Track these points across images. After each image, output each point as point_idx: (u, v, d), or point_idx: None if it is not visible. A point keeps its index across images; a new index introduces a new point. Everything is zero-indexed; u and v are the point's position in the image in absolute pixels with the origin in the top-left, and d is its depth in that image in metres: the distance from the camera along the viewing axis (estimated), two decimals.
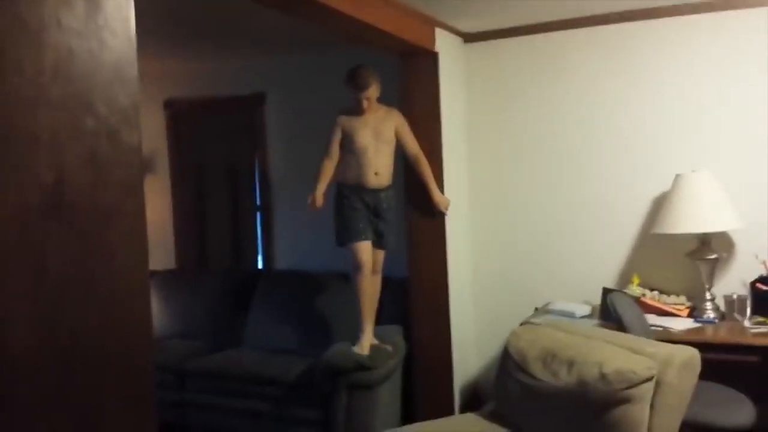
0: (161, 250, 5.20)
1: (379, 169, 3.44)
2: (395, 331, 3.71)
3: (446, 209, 3.66)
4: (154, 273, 5.03)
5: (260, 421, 3.81)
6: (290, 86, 4.73)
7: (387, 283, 3.67)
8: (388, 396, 3.57)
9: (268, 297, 4.46)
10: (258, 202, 5.00)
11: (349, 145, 3.45)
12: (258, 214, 5.03)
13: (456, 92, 3.90)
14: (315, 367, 3.60)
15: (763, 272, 3.29)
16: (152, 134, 5.21)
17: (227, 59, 4.75)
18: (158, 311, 4.79)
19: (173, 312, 4.73)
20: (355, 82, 3.37)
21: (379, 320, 3.63)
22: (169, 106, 5.17)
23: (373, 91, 3.40)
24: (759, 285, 3.27)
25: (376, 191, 3.44)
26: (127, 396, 0.94)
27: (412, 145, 3.57)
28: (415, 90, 3.68)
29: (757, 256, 3.36)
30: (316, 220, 4.66)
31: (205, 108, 5.10)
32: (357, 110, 3.45)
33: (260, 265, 5.08)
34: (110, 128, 0.95)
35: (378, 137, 3.45)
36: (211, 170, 5.19)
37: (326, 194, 3.53)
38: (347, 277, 3.71)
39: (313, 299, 4.25)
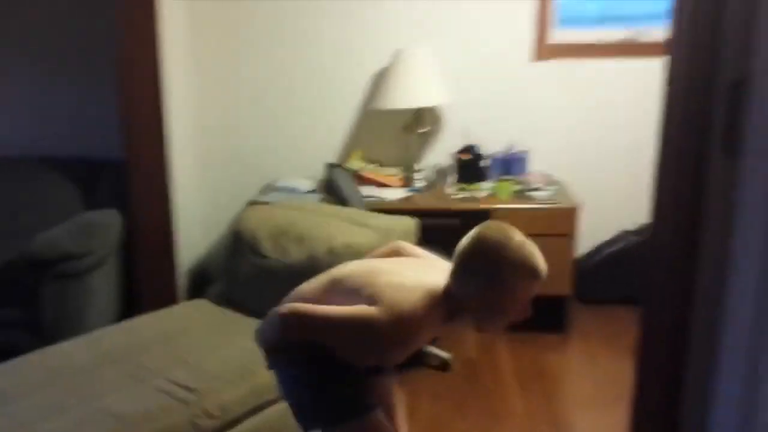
0: None
1: None
2: (111, 216, 3.41)
3: None
4: None
5: None
6: None
7: (103, 166, 3.31)
8: (102, 285, 3.32)
9: None
10: None
11: None
12: None
13: None
14: (16, 260, 3.18)
15: (466, 143, 3.61)
16: None
17: None
18: None
19: None
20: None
21: (95, 206, 3.33)
22: None
23: None
24: (461, 155, 3.60)
25: None
26: None
27: None
28: None
29: (462, 129, 3.66)
30: (15, 96, 3.99)
31: None
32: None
33: None
34: None
35: None
36: None
37: None
38: (51, 161, 3.41)
39: (11, 187, 3.69)
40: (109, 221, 3.38)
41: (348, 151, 3.79)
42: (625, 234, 3.69)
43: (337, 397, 1.72)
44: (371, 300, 1.61)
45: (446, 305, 1.64)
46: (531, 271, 1.59)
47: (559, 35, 3.67)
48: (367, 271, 1.74)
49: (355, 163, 3.66)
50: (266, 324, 1.77)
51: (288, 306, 1.68)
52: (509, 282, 1.59)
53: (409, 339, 1.62)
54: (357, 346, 1.67)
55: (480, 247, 1.61)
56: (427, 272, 1.73)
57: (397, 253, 1.96)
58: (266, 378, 2.24)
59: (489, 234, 1.62)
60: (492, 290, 1.60)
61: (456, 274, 1.64)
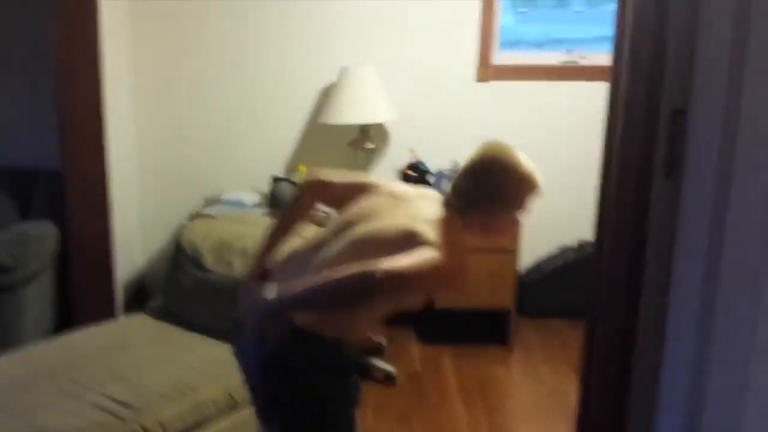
0: None
1: None
2: (46, 228, 3.31)
3: None
4: None
5: None
6: None
7: (37, 177, 3.26)
8: (36, 299, 3.22)
9: None
10: None
11: None
12: None
13: None
14: None
15: (412, 160, 3.65)
16: None
17: None
18: None
19: None
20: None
21: (29, 217, 3.26)
22: None
23: None
24: (408, 171, 3.64)
25: None
26: None
27: None
28: None
29: (407, 146, 3.70)
30: None
31: None
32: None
33: None
34: None
35: None
36: None
37: None
38: None
39: None
40: (43, 233, 3.28)
41: (293, 164, 3.78)
42: (565, 250, 3.79)
43: (338, 409, 1.71)
44: (417, 243, 1.62)
45: (457, 223, 1.75)
46: (535, 186, 1.78)
47: (502, 57, 3.76)
48: (390, 222, 1.74)
49: (302, 177, 3.65)
50: (324, 293, 1.60)
51: (380, 269, 1.55)
52: (518, 196, 1.76)
53: (465, 262, 1.69)
54: (428, 288, 1.73)
55: (492, 166, 1.78)
56: (412, 202, 1.82)
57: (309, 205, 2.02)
58: (207, 394, 2.20)
59: (497, 155, 1.79)
60: (501, 204, 1.76)
61: (466, 192, 1.78)
